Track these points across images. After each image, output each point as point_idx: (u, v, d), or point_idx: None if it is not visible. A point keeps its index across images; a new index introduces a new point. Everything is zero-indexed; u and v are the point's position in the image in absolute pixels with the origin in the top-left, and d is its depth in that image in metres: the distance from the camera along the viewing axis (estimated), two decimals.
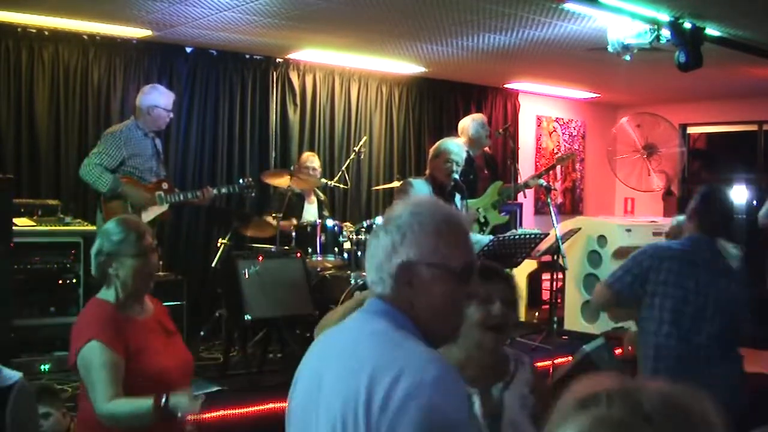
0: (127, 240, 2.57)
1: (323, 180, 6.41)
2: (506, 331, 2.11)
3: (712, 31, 5.20)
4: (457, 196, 5.22)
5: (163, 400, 2.36)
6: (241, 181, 5.55)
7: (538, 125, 9.21)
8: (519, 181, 6.51)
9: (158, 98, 5.17)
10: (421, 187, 5.05)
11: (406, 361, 1.39)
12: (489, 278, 2.06)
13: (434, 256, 1.51)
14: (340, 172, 6.64)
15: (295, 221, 5.70)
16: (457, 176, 5.08)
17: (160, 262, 5.66)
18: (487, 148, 6.67)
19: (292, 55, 6.86)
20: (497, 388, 2.11)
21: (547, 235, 5.86)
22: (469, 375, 2.00)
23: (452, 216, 1.58)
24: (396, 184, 6.15)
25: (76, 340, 2.51)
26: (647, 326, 3.20)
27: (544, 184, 6.28)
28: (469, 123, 6.36)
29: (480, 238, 5.41)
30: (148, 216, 5.05)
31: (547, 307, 7.04)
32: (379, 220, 1.60)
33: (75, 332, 2.54)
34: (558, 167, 9.15)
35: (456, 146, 5.10)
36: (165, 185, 5.22)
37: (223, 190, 5.56)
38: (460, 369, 1.88)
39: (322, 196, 6.33)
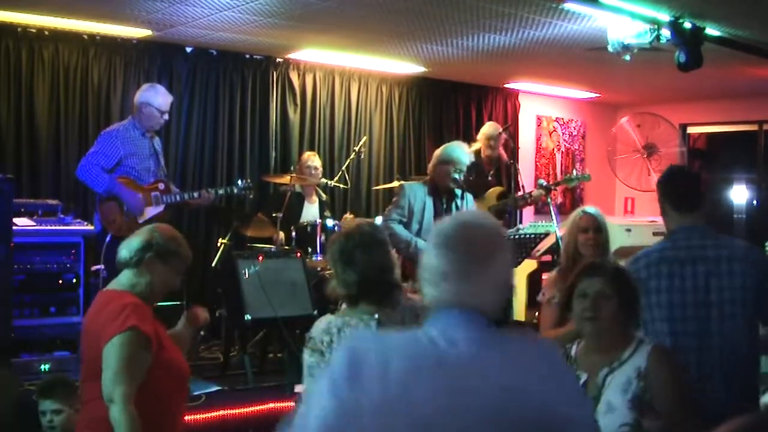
0: (184, 254, 2.76)
1: (323, 180, 6.42)
2: (600, 320, 2.36)
3: (712, 31, 5.20)
4: (458, 193, 5.22)
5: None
6: (240, 182, 5.54)
7: (538, 125, 9.21)
8: (519, 183, 6.53)
9: (153, 97, 5.13)
10: (416, 190, 5.08)
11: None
12: (590, 275, 2.42)
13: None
14: (340, 172, 6.64)
15: (282, 234, 5.64)
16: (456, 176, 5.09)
17: None
18: (503, 153, 6.78)
19: (292, 55, 6.86)
20: (603, 372, 2.33)
21: (547, 235, 5.87)
22: (583, 360, 2.42)
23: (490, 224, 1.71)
24: (396, 184, 6.17)
25: (108, 325, 2.54)
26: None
27: (545, 184, 6.28)
28: (490, 126, 6.79)
29: None
30: (143, 217, 5.05)
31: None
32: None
33: (106, 318, 2.56)
34: (558, 168, 9.17)
35: (464, 155, 5.08)
36: (161, 186, 5.20)
37: (221, 192, 5.54)
38: (581, 353, 2.45)
39: (323, 196, 6.33)
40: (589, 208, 3.58)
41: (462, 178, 5.07)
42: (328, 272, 5.54)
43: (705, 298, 2.73)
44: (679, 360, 2.41)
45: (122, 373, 2.48)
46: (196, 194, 5.31)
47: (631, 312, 2.41)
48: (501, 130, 6.75)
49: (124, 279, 2.70)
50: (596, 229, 3.47)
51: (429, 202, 5.03)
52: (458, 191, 5.23)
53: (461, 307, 1.53)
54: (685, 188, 2.93)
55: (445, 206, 5.15)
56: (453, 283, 1.54)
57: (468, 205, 5.27)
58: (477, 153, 6.68)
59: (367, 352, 1.50)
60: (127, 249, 2.70)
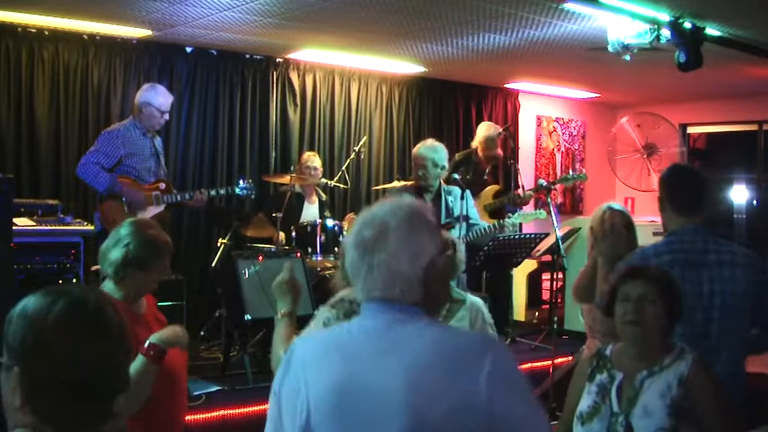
0: (162, 254, 2.72)
1: (323, 180, 6.42)
2: (642, 325, 2.32)
3: (712, 31, 5.20)
4: (456, 192, 5.23)
5: (146, 344, 2.46)
6: (241, 182, 5.53)
7: (538, 125, 9.21)
8: (519, 182, 6.53)
9: (153, 97, 5.14)
10: (401, 192, 5.24)
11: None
12: (633, 278, 2.37)
13: (438, 245, 1.62)
14: (340, 172, 6.64)
15: (282, 235, 5.64)
16: (433, 178, 5.14)
17: None
18: (500, 151, 6.79)
19: (292, 55, 6.86)
20: (641, 375, 2.31)
21: (547, 235, 5.87)
22: (618, 359, 2.39)
23: (416, 207, 1.68)
24: (396, 184, 6.18)
25: None
26: None
27: (545, 184, 6.28)
28: (483, 127, 6.82)
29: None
30: (144, 216, 5.05)
31: (547, 307, 7.05)
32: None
33: None
34: (558, 168, 9.17)
35: (428, 151, 5.13)
36: (162, 185, 5.20)
37: (221, 192, 5.54)
38: (616, 353, 2.41)
39: (324, 197, 6.33)
40: (616, 205, 3.62)
41: (427, 174, 5.10)
42: (328, 272, 5.55)
43: (709, 303, 2.72)
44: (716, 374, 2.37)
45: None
46: (188, 195, 5.30)
47: (674, 319, 2.36)
48: (499, 131, 6.76)
49: (108, 288, 2.67)
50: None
51: None
52: (457, 189, 5.24)
53: (372, 299, 1.60)
54: (689, 189, 2.89)
55: (430, 205, 5.16)
56: (359, 279, 1.61)
57: (468, 202, 5.27)
58: (474, 152, 6.70)
59: (296, 350, 1.65)
60: (106, 262, 2.63)
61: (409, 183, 5.54)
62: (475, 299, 3.14)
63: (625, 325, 2.34)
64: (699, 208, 2.86)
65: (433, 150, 5.12)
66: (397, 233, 1.58)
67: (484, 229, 5.30)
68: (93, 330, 1.39)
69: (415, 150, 5.23)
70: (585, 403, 2.37)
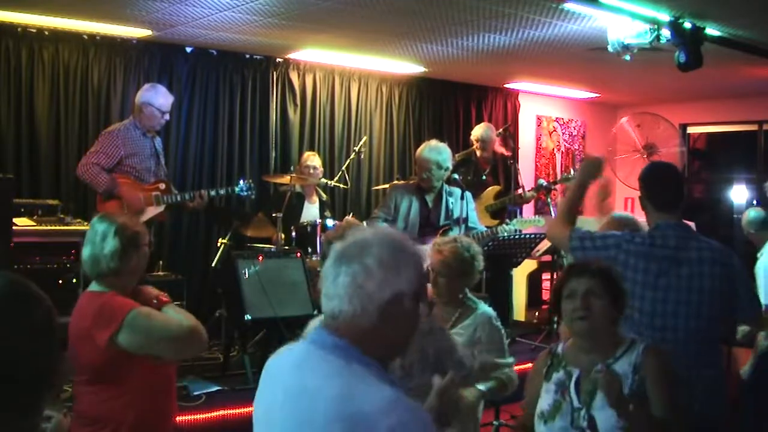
0: (143, 231, 2.76)
1: (323, 180, 6.42)
2: (591, 319, 2.34)
3: (712, 31, 5.20)
4: (456, 193, 5.23)
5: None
6: (241, 182, 5.53)
7: (538, 125, 9.21)
8: (519, 182, 6.53)
9: (154, 97, 5.14)
10: (403, 191, 5.20)
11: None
12: (578, 275, 2.39)
13: (414, 286, 1.57)
14: (340, 172, 6.64)
15: (282, 235, 5.63)
16: (436, 179, 5.12)
17: (160, 262, 5.74)
18: (503, 151, 6.78)
19: (292, 55, 6.86)
20: (598, 368, 2.30)
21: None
22: (571, 356, 2.42)
23: (408, 242, 1.65)
24: (397, 182, 6.19)
25: (104, 324, 2.54)
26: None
27: (545, 184, 6.29)
28: (478, 129, 6.82)
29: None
30: (144, 216, 5.05)
31: (547, 307, 7.05)
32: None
33: (96, 319, 2.56)
34: (558, 168, 9.16)
35: (433, 153, 5.11)
36: (162, 186, 5.20)
37: (221, 192, 5.54)
38: (569, 350, 2.44)
39: (324, 197, 6.33)
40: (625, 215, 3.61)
41: (432, 176, 5.09)
42: None
43: (687, 298, 2.78)
44: (670, 361, 2.40)
45: (165, 329, 2.61)
46: (188, 195, 5.30)
47: (621, 310, 2.41)
48: (494, 132, 6.75)
49: (99, 288, 2.71)
50: None
51: (415, 203, 5.10)
52: (457, 190, 5.24)
53: (324, 317, 1.61)
54: (667, 186, 2.96)
55: (431, 205, 5.17)
56: (324, 288, 1.59)
57: (468, 204, 5.27)
58: (474, 153, 6.70)
59: (268, 368, 1.70)
60: (103, 260, 2.67)
61: (411, 182, 5.53)
62: (486, 310, 3.14)
63: (574, 321, 2.37)
64: (678, 202, 2.93)
65: (437, 152, 5.10)
66: (377, 251, 1.55)
67: (481, 234, 5.31)
68: (9, 321, 1.34)
69: (418, 152, 5.19)
70: (545, 402, 2.40)
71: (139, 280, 2.88)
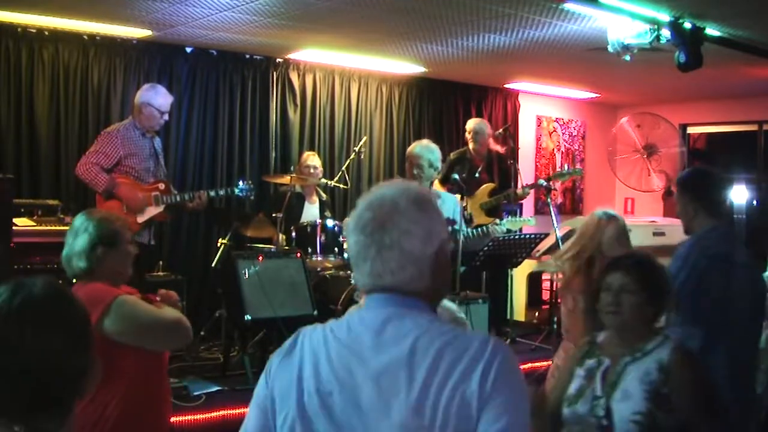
0: (122, 227, 2.70)
1: (324, 180, 6.42)
2: (622, 314, 2.39)
3: (712, 31, 5.20)
4: (444, 196, 5.25)
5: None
6: (241, 182, 5.53)
7: (538, 125, 9.21)
8: (519, 182, 6.53)
9: (153, 97, 5.14)
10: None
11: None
12: (614, 269, 2.44)
13: (445, 232, 1.57)
14: (341, 172, 6.64)
15: (282, 235, 5.65)
16: (426, 178, 5.12)
17: (160, 262, 5.74)
18: (498, 149, 6.77)
19: (292, 55, 6.86)
20: (624, 360, 2.37)
21: (547, 235, 5.86)
22: (608, 348, 2.46)
23: (420, 187, 1.64)
24: (383, 183, 6.18)
25: (90, 310, 2.48)
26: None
27: (545, 184, 6.28)
28: (470, 122, 6.74)
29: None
30: (143, 217, 5.05)
31: (547, 307, 7.05)
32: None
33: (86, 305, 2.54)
34: (558, 168, 9.16)
35: (423, 150, 5.13)
36: (162, 186, 5.20)
37: (221, 192, 5.54)
38: (606, 340, 2.48)
39: (324, 197, 6.33)
40: (613, 212, 3.60)
41: (422, 173, 5.09)
42: (328, 272, 5.55)
43: (740, 304, 2.84)
44: (699, 361, 2.43)
45: (151, 320, 2.58)
46: (187, 196, 5.30)
47: (658, 306, 2.42)
48: (488, 127, 6.73)
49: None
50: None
51: None
52: (446, 194, 5.31)
53: (375, 289, 1.52)
54: (719, 192, 3.05)
55: None
56: (366, 263, 1.51)
57: (457, 208, 5.25)
58: (468, 150, 6.68)
59: (303, 338, 1.57)
60: (74, 258, 2.64)
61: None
62: (446, 304, 3.13)
63: (607, 315, 2.44)
64: (725, 207, 3.06)
65: (429, 150, 5.12)
66: (408, 212, 1.51)
67: (469, 235, 5.32)
68: (50, 323, 1.37)
69: (410, 149, 5.22)
70: (573, 386, 2.45)
71: (135, 282, 2.84)
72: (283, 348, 1.59)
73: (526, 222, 6.05)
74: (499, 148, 6.82)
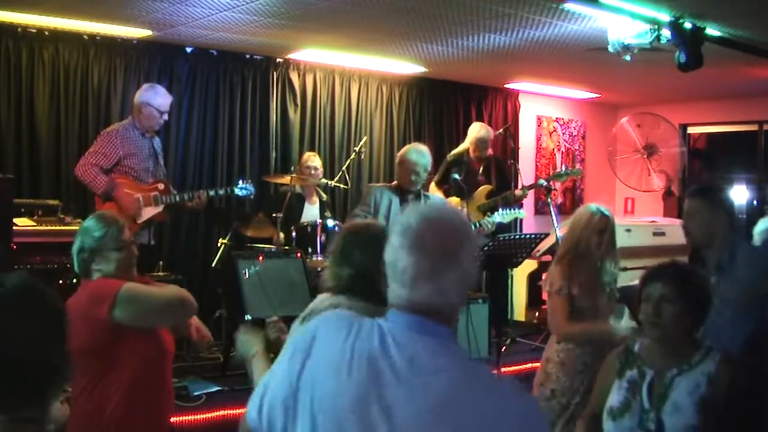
0: (109, 235, 2.72)
1: (324, 180, 6.42)
2: (662, 325, 2.36)
3: (712, 31, 5.20)
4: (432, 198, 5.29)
5: None
6: (241, 182, 5.53)
7: (539, 125, 9.21)
8: (519, 182, 6.53)
9: (152, 97, 5.14)
10: (382, 190, 5.20)
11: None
12: (654, 279, 2.41)
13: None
14: (341, 172, 6.64)
15: (282, 235, 5.64)
16: (420, 183, 5.17)
17: (160, 262, 5.73)
18: (491, 152, 6.78)
19: (292, 55, 6.86)
20: (671, 373, 2.34)
21: (547, 235, 5.87)
22: (649, 358, 2.42)
23: (449, 211, 1.62)
24: (375, 184, 6.19)
25: (99, 302, 2.58)
26: None
27: (545, 184, 6.29)
28: (474, 128, 6.77)
29: None
30: (143, 217, 5.04)
31: (547, 307, 7.05)
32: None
33: (92, 300, 2.61)
34: (558, 168, 9.16)
35: (421, 156, 5.14)
36: (161, 186, 5.20)
37: (221, 192, 5.54)
38: (646, 350, 2.44)
39: (324, 197, 6.33)
40: (604, 209, 3.59)
41: (419, 179, 5.13)
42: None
43: None
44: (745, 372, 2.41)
45: (154, 299, 2.70)
46: (186, 195, 5.30)
47: (698, 316, 2.39)
48: (491, 132, 6.73)
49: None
50: (611, 231, 3.53)
51: (395, 202, 5.13)
52: (433, 197, 5.30)
53: (418, 310, 1.48)
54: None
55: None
56: (418, 284, 1.47)
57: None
58: (466, 153, 6.68)
59: (328, 329, 1.54)
60: (83, 253, 2.73)
61: (392, 183, 5.48)
62: None
63: (647, 325, 2.41)
64: None
65: (423, 155, 5.15)
66: (464, 234, 1.52)
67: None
68: (26, 314, 1.41)
69: (404, 155, 5.18)
70: (615, 399, 2.41)
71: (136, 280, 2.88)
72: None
73: (517, 214, 6.06)
74: (491, 152, 6.81)
